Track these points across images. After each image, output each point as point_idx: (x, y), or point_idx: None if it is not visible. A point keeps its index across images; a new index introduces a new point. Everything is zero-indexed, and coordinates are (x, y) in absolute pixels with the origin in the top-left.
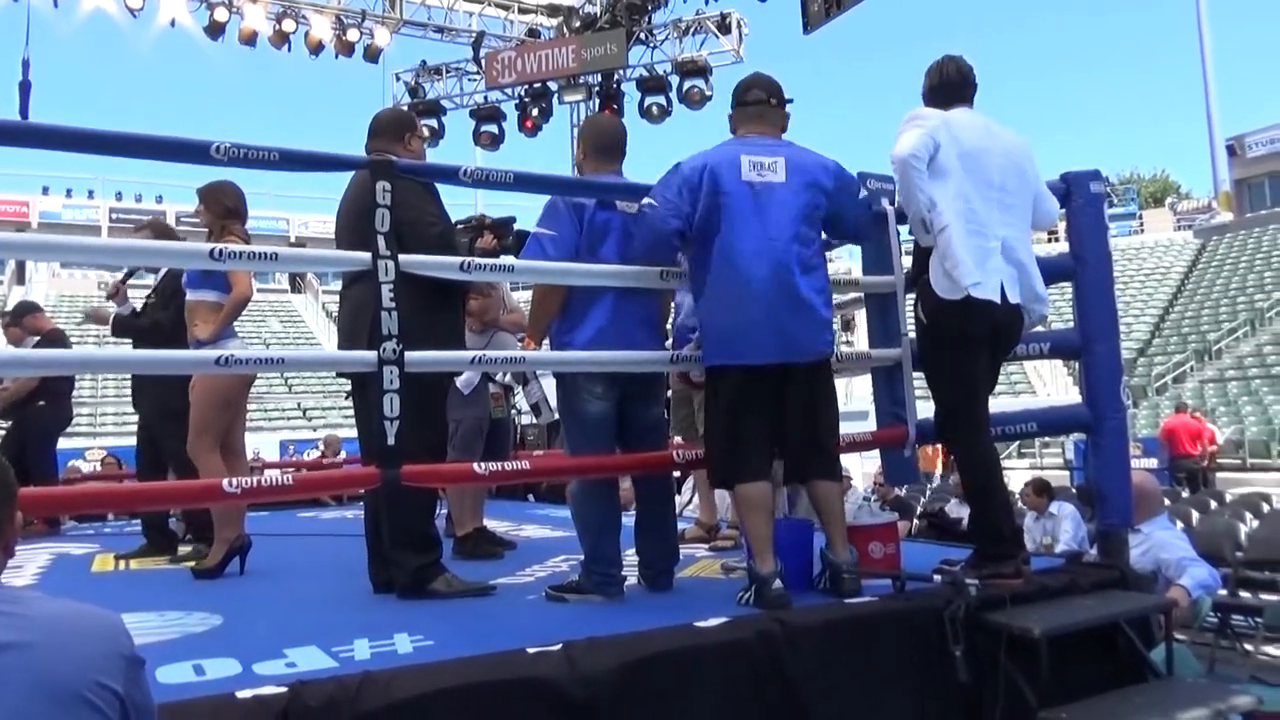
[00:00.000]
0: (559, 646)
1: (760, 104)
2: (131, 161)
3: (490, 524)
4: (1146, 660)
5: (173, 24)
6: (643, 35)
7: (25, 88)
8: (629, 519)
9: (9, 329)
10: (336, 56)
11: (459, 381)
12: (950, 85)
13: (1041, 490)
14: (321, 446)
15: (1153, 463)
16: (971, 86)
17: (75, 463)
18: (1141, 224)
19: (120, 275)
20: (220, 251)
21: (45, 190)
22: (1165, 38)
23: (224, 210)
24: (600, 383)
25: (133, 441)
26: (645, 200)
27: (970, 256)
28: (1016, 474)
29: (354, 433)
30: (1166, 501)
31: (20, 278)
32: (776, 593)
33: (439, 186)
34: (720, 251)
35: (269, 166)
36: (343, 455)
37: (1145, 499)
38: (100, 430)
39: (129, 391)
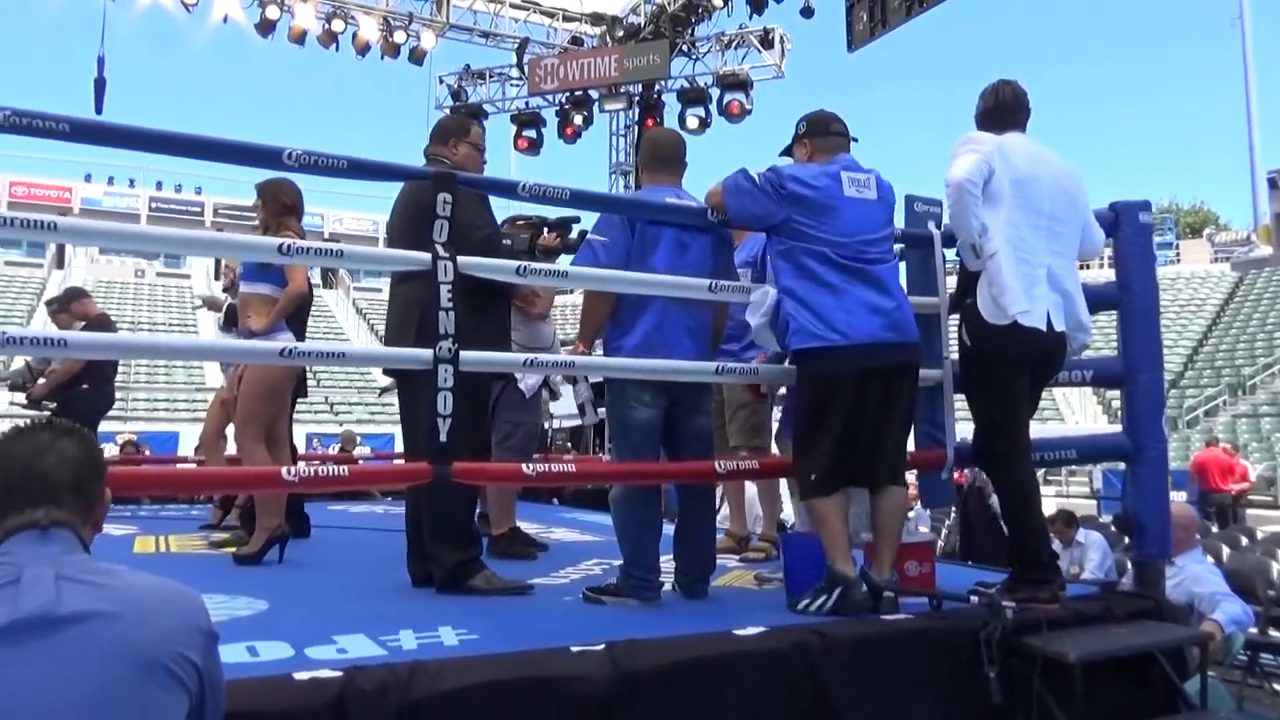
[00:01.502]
0: (602, 646)
1: (841, 136)
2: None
3: (521, 525)
4: (1180, 692)
5: (225, 20)
6: (685, 47)
7: (100, 84)
8: (669, 527)
9: (58, 315)
10: (382, 57)
11: (522, 385)
12: (1005, 109)
13: (1069, 522)
14: (341, 442)
15: (1183, 496)
16: (1026, 111)
17: (105, 445)
18: (1178, 254)
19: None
20: (289, 247)
21: (88, 177)
22: (1209, 69)
23: (281, 207)
24: (648, 390)
25: (161, 427)
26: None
27: (1019, 284)
28: (1043, 501)
29: (374, 429)
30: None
31: (60, 262)
32: (864, 597)
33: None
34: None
35: (338, 174)
36: (367, 450)
37: (1182, 532)
38: (131, 415)
39: (159, 377)
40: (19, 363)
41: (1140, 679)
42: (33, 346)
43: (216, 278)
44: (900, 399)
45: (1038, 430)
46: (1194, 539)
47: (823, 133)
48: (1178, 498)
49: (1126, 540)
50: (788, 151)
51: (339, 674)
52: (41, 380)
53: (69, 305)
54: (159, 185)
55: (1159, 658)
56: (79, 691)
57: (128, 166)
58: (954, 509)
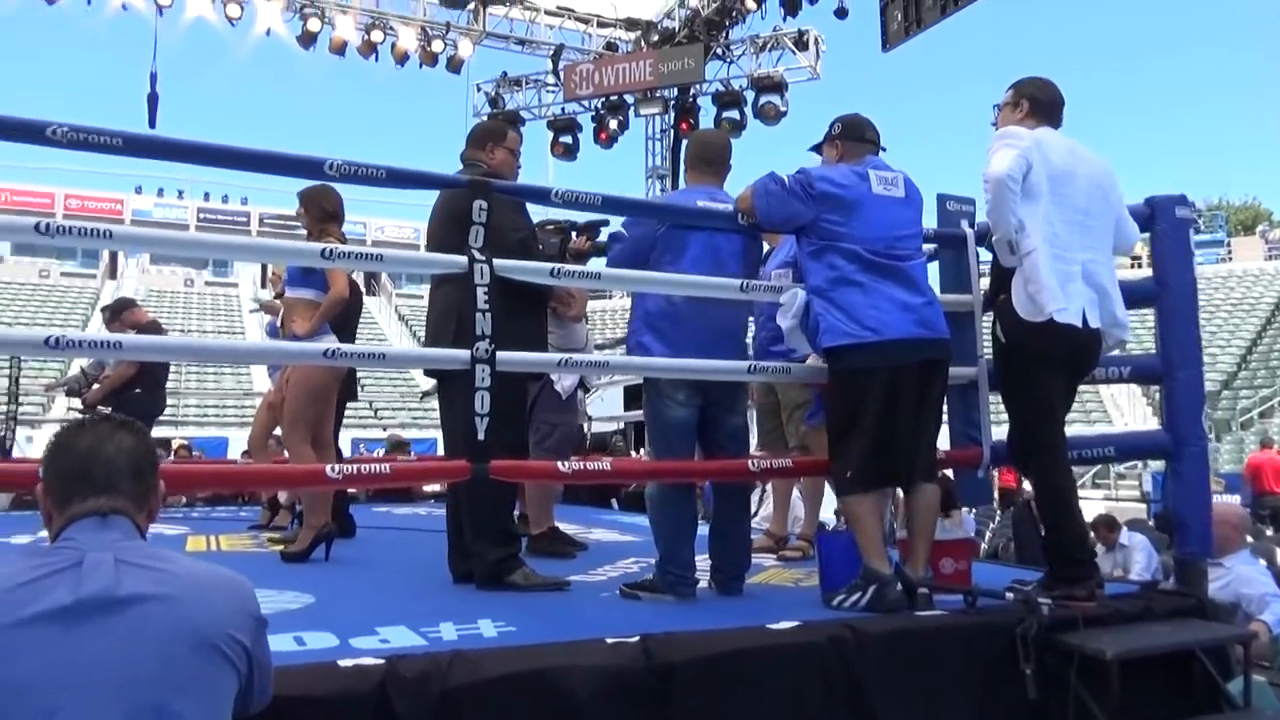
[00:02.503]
0: (637, 638)
1: (873, 144)
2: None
3: (561, 526)
4: (1222, 691)
5: (268, 33)
6: (720, 50)
7: (153, 100)
8: (703, 526)
9: (110, 324)
10: (421, 66)
11: (559, 386)
12: (1039, 105)
13: (1111, 526)
14: (387, 446)
15: (1235, 499)
16: (1062, 107)
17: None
18: (1230, 252)
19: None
20: (331, 251)
21: (139, 189)
22: (1261, 63)
23: (323, 213)
24: (683, 389)
25: (211, 433)
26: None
27: (1055, 280)
28: (1090, 504)
29: (418, 434)
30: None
31: (113, 272)
32: (899, 595)
33: None
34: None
35: (377, 184)
36: (413, 455)
37: (1229, 531)
38: (182, 420)
39: (209, 384)
40: (75, 370)
41: (1181, 678)
42: (86, 349)
43: (263, 286)
44: (932, 396)
45: (1083, 431)
46: (1243, 539)
47: (857, 138)
48: (1231, 500)
49: (1169, 541)
50: (817, 149)
51: (381, 662)
52: (96, 386)
53: (120, 314)
54: (206, 196)
55: (1200, 656)
56: (138, 669)
57: (176, 179)
58: (997, 511)
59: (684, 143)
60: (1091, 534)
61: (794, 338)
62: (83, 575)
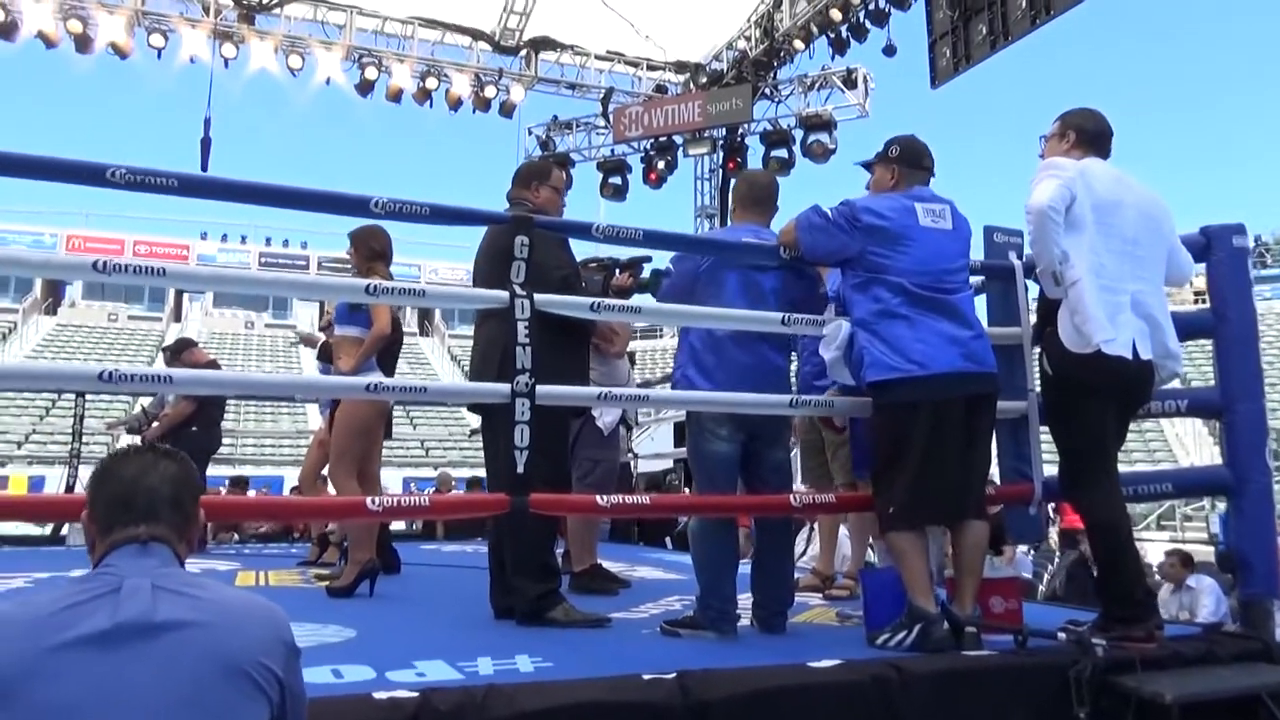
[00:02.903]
0: (674, 675)
1: (928, 171)
2: (283, 210)
3: (605, 564)
4: None
5: (328, 82)
6: (768, 90)
7: (206, 144)
8: (745, 564)
9: (170, 363)
10: (474, 111)
11: (600, 423)
12: (1091, 135)
13: (1186, 562)
14: (437, 484)
15: None
16: (1110, 138)
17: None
18: None
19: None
20: (374, 287)
21: (204, 235)
22: None
23: (371, 253)
24: (726, 424)
25: (267, 471)
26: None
27: (1102, 311)
28: (1154, 546)
29: (468, 472)
30: None
31: (177, 315)
32: (945, 634)
33: None
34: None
35: (420, 220)
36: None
37: None
38: (240, 459)
39: (266, 423)
40: (137, 409)
41: None
42: (138, 383)
43: (319, 326)
44: (979, 431)
45: (1147, 469)
46: None
47: (915, 165)
48: None
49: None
50: (868, 165)
51: (416, 695)
52: (155, 424)
53: (180, 353)
54: (268, 241)
55: (1267, 701)
56: (172, 694)
57: (240, 224)
58: (1057, 551)
59: (732, 182)
60: (1158, 572)
61: (837, 369)
62: (121, 600)
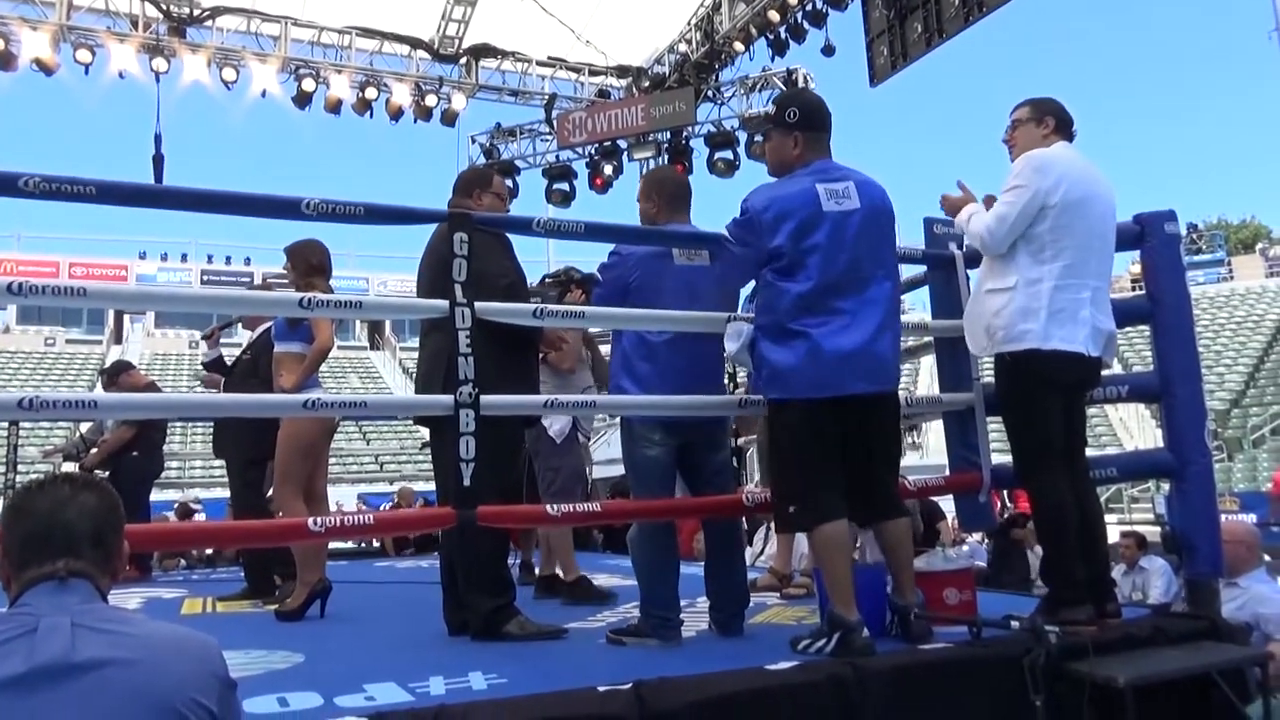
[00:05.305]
0: (629, 685)
1: (829, 133)
2: (222, 226)
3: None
4: (1242, 715)
5: (263, 94)
6: (710, 92)
7: (159, 161)
8: (694, 568)
9: (108, 387)
10: (416, 121)
11: (551, 431)
12: (1064, 121)
13: (1141, 544)
14: (396, 499)
15: (1251, 518)
16: (1072, 123)
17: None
18: (1231, 270)
19: (217, 323)
20: (309, 300)
21: (143, 255)
22: (1254, 80)
23: (309, 267)
24: (658, 430)
25: (218, 494)
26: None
27: (1064, 309)
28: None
29: (425, 485)
30: (1267, 556)
31: (118, 337)
32: (865, 642)
33: (513, 240)
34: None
35: (355, 220)
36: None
37: (1243, 550)
38: (190, 481)
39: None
40: (78, 434)
41: (1198, 703)
42: (61, 409)
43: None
44: (882, 428)
45: (1091, 454)
46: (1258, 557)
47: (819, 127)
48: (1246, 519)
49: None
50: (766, 137)
51: None
52: (94, 450)
53: (117, 377)
54: (210, 258)
55: (1217, 680)
56: None
57: (180, 242)
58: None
59: (638, 188)
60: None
61: (741, 357)
62: (36, 642)
